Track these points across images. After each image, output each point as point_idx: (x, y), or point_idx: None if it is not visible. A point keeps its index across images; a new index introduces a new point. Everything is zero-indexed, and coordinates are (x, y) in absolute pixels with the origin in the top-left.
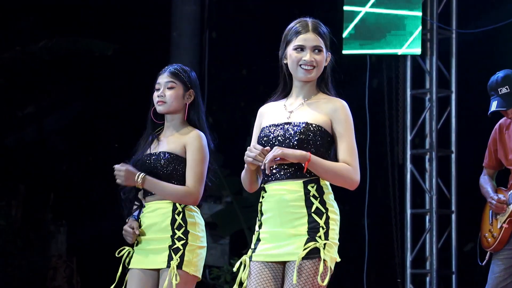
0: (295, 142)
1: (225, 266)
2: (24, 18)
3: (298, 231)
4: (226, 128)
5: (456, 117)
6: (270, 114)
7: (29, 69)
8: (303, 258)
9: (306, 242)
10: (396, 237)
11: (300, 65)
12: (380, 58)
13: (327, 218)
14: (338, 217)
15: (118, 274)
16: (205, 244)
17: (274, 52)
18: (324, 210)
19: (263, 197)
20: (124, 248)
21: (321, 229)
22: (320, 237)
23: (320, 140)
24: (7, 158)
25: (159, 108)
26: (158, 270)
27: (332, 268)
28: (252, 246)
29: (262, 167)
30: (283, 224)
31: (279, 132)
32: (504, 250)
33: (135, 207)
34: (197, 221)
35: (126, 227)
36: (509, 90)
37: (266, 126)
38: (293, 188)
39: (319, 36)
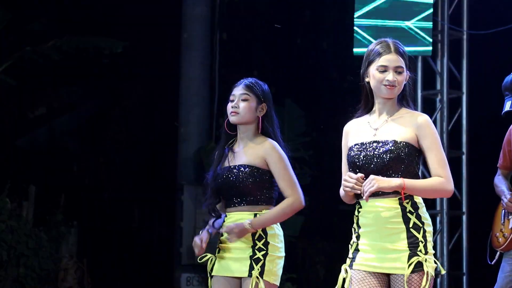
0: (386, 162)
1: None
2: (34, 18)
3: (398, 246)
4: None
5: (467, 118)
6: (355, 132)
7: (40, 69)
8: (410, 273)
9: (409, 257)
10: None
11: (383, 84)
12: None
13: (424, 231)
14: (431, 228)
15: (210, 284)
16: (284, 254)
17: (285, 52)
18: (420, 225)
19: (359, 211)
20: (207, 255)
21: (420, 243)
22: (420, 251)
23: (409, 156)
24: (18, 159)
25: (232, 119)
26: (239, 278)
27: (433, 275)
28: (350, 255)
29: (363, 197)
30: (382, 238)
31: (368, 152)
32: None
33: (213, 218)
34: (276, 232)
35: (196, 238)
36: None
37: (353, 145)
38: (389, 205)
39: (400, 57)
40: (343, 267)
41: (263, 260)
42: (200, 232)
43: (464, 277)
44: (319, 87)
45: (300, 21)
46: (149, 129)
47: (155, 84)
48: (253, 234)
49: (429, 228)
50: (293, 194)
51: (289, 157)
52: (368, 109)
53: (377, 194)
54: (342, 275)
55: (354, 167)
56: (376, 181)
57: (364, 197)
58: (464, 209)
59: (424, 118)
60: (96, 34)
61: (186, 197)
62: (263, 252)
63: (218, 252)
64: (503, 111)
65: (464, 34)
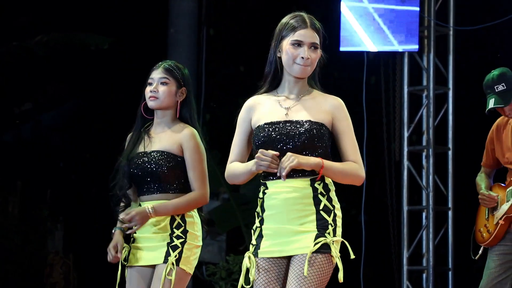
0: (303, 142)
1: (221, 262)
2: (21, 13)
3: (306, 228)
4: (224, 125)
5: (453, 114)
6: (263, 111)
7: (26, 64)
8: (313, 252)
9: (316, 237)
10: (393, 234)
11: (296, 61)
12: (377, 55)
13: (335, 215)
14: (341, 214)
15: (119, 273)
16: (201, 243)
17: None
18: (331, 208)
19: (264, 193)
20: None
21: (329, 226)
22: (329, 233)
23: (324, 137)
24: (4, 154)
25: (151, 104)
26: (153, 267)
27: (337, 264)
28: (254, 242)
29: (278, 174)
30: (290, 221)
31: (282, 131)
32: (500, 245)
33: (122, 204)
34: (195, 220)
35: (110, 247)
36: (505, 87)
37: (263, 125)
38: (300, 186)
39: (316, 33)
40: (247, 254)
41: (181, 248)
42: (113, 231)
43: (450, 273)
44: None
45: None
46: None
47: (142, 79)
48: (171, 222)
49: (339, 213)
50: (201, 189)
51: (207, 143)
52: (274, 86)
53: (289, 174)
54: (245, 263)
55: (264, 146)
56: (295, 157)
57: (282, 174)
58: (450, 205)
59: (339, 101)
60: (83, 30)
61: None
62: (181, 240)
63: (133, 242)
64: (486, 109)
65: (450, 30)
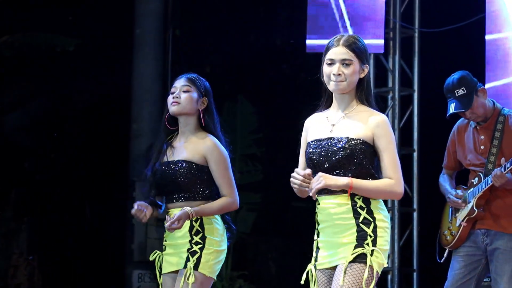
0: (338, 159)
1: None
2: None
3: (348, 240)
4: None
5: (418, 116)
6: (314, 128)
7: None
8: (350, 262)
9: (354, 248)
10: None
11: (331, 79)
12: None
13: (375, 226)
14: (387, 224)
15: (160, 281)
16: (224, 248)
17: (238, 49)
18: (371, 219)
19: (317, 208)
20: (156, 252)
21: (368, 237)
22: (367, 244)
23: (362, 154)
24: None
25: (173, 109)
26: (177, 272)
27: (379, 273)
28: (314, 254)
29: (310, 194)
30: (335, 234)
31: (323, 148)
32: (464, 247)
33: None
34: (215, 226)
35: (141, 203)
36: (465, 92)
37: (311, 141)
38: (341, 201)
39: (348, 49)
40: (309, 266)
41: (199, 253)
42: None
43: (415, 274)
44: (272, 83)
45: (254, 18)
46: (101, 126)
47: (108, 80)
48: (190, 229)
49: (381, 224)
50: (231, 195)
51: (229, 153)
52: (328, 104)
53: (327, 191)
54: (310, 275)
55: (310, 163)
56: (323, 179)
57: (311, 194)
58: (415, 206)
59: (382, 117)
60: (49, 30)
61: (138, 194)
62: (199, 246)
63: (164, 250)
64: (447, 114)
65: (415, 32)
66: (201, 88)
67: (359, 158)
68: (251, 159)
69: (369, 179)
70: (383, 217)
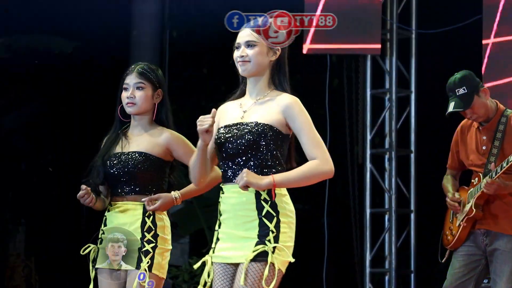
0: (245, 143)
1: (184, 265)
2: None
3: (249, 235)
4: (187, 128)
5: (416, 117)
6: (226, 114)
7: None
8: (251, 261)
9: (256, 245)
10: (356, 236)
11: (237, 61)
12: (340, 58)
13: (278, 221)
14: (291, 219)
15: (92, 274)
16: (171, 247)
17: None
18: (274, 214)
19: (221, 197)
20: (89, 246)
21: (270, 233)
22: (269, 240)
23: (271, 140)
24: None
25: (129, 110)
26: (125, 271)
27: (283, 271)
28: (213, 245)
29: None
30: (236, 226)
31: (232, 133)
32: (464, 246)
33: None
34: (165, 224)
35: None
36: (466, 91)
37: (221, 127)
38: (245, 191)
39: (253, 31)
40: (204, 259)
41: (152, 253)
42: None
43: (412, 275)
44: None
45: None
46: (98, 127)
47: (104, 82)
48: (142, 225)
49: (285, 219)
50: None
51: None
52: (243, 91)
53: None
54: (206, 267)
55: (217, 148)
56: (247, 177)
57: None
58: (412, 207)
59: (292, 98)
60: (46, 32)
61: None
62: (152, 245)
63: (101, 243)
64: (447, 112)
65: (412, 33)
66: (154, 80)
67: (267, 144)
68: None
69: (278, 169)
70: (287, 211)
